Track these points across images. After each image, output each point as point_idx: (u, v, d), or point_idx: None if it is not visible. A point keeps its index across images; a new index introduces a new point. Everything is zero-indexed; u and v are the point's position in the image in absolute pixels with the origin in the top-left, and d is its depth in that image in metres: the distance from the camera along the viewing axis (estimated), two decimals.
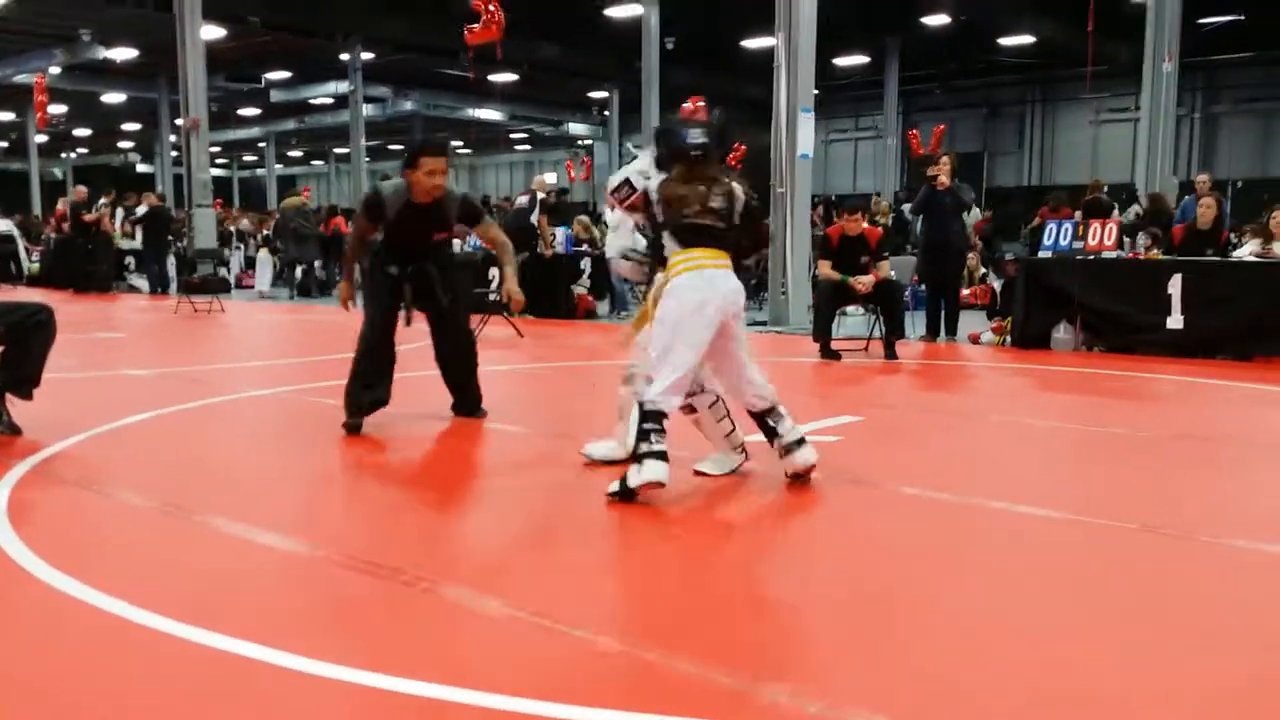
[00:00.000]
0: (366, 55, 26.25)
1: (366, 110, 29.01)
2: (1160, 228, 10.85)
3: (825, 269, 8.82)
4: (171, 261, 17.68)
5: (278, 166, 44.50)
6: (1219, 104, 27.30)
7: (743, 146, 18.30)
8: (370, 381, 5.47)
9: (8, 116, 33.95)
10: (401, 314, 5.51)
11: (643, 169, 4.32)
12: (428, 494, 4.54)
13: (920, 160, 17.43)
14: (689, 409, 4.41)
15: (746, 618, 2.99)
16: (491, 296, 10.25)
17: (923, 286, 10.65)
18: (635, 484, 4.00)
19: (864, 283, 8.51)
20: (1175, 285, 8.49)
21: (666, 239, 4.21)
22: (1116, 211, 12.93)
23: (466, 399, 5.83)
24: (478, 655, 2.68)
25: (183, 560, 3.45)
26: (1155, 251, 9.56)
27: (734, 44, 23.60)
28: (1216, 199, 9.96)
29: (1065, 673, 2.51)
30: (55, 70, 25.12)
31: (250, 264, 19.91)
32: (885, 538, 3.74)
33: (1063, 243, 9.31)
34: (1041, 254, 9.49)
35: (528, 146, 43.41)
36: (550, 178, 21.70)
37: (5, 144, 40.53)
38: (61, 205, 19.34)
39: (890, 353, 8.54)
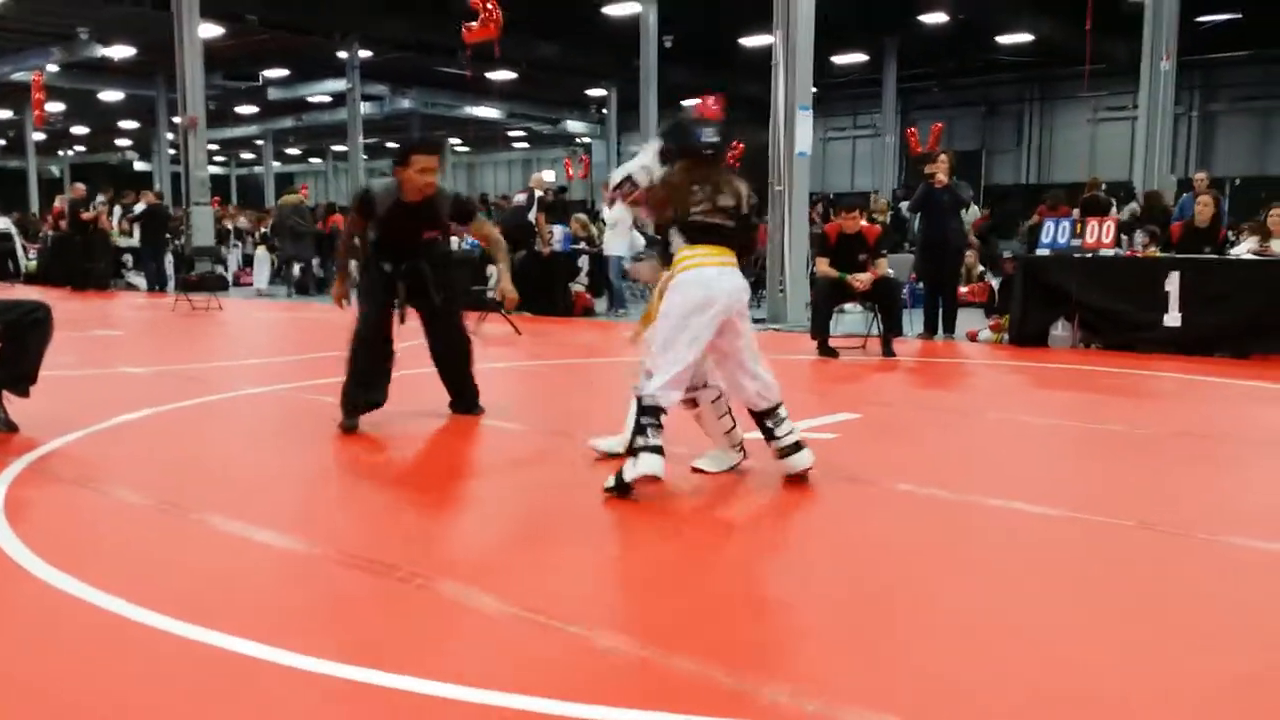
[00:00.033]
0: (364, 53, 26.23)
1: (364, 108, 29.00)
2: (1156, 225, 10.86)
3: (823, 267, 8.83)
4: (169, 259, 17.68)
5: (275, 164, 44.48)
6: (1216, 102, 27.31)
7: (741, 144, 18.29)
8: (368, 381, 5.46)
9: (5, 114, 33.94)
10: (396, 311, 5.50)
11: (645, 164, 4.29)
12: (425, 491, 4.53)
13: (918, 158, 17.47)
14: (691, 403, 4.40)
15: (746, 616, 2.98)
16: (488, 294, 10.25)
17: (920, 284, 10.66)
18: (630, 478, 3.98)
19: (862, 280, 8.52)
20: (1173, 283, 8.49)
21: (673, 235, 4.18)
22: (1114, 209, 12.94)
23: (463, 397, 5.83)
24: (475, 652, 2.68)
25: (180, 558, 3.44)
26: (1153, 249, 9.56)
27: (732, 42, 23.61)
28: (1214, 197, 9.95)
29: (1065, 672, 2.51)
30: (53, 68, 25.13)
31: (248, 262, 19.86)
32: (883, 536, 3.73)
33: (1060, 240, 9.31)
34: (1039, 252, 9.49)
35: (526, 145, 43.39)
36: (548, 176, 21.71)
37: (3, 141, 40.53)
38: (59, 203, 19.33)
39: (888, 350, 8.56)
